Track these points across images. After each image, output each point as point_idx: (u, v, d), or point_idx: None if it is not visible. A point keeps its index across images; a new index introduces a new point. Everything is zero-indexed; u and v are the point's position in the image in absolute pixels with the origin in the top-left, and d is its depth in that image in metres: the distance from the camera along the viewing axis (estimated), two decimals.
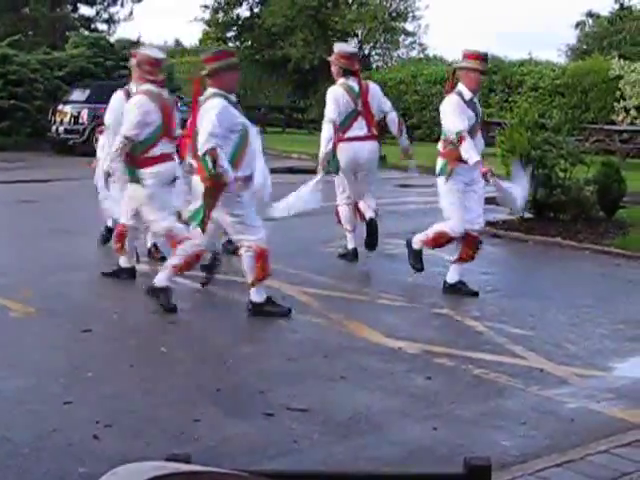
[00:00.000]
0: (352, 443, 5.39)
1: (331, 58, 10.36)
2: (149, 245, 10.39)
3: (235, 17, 40.28)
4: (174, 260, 8.23)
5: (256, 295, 8.15)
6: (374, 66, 39.14)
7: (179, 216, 8.97)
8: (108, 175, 9.06)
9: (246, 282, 8.16)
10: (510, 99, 28.89)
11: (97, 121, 23.27)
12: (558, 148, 12.94)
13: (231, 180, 7.65)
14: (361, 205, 10.62)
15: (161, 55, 9.41)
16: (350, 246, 10.76)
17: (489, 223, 9.55)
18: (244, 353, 7.12)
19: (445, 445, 5.36)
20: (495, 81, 29.87)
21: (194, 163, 7.88)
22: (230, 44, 40.32)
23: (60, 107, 26.10)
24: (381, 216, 10.87)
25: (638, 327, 8.12)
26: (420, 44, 41.30)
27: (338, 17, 36.87)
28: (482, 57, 9.00)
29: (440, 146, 9.06)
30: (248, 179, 7.94)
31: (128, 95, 9.71)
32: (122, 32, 42.24)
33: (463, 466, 2.34)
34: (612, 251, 11.43)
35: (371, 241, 10.62)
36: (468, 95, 8.86)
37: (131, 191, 8.96)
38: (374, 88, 10.58)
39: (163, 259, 9.49)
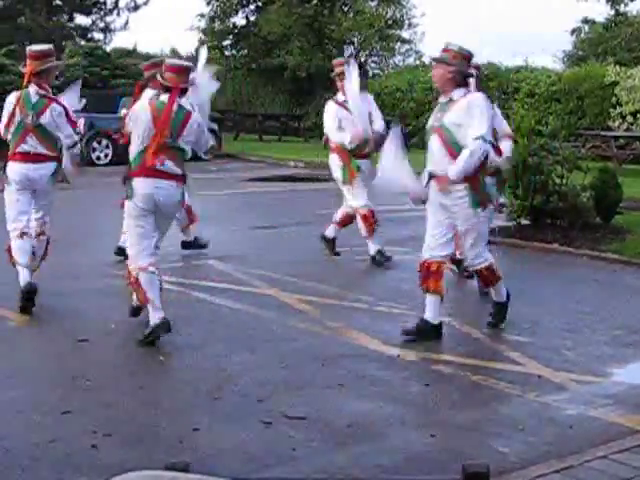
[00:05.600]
0: (350, 451, 5.39)
1: None
2: None
3: (231, 26, 40.21)
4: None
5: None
6: (370, 74, 39.13)
7: None
8: None
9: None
10: (506, 106, 28.90)
11: (94, 130, 23.49)
12: (554, 154, 12.94)
13: None
14: None
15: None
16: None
17: None
18: (242, 361, 7.11)
19: (443, 452, 5.36)
20: (491, 88, 29.87)
21: None
22: (226, 52, 40.31)
23: None
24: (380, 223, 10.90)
25: (635, 333, 8.12)
26: (416, 51, 41.31)
27: (334, 25, 36.86)
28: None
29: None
30: None
31: None
32: (118, 41, 42.20)
33: (461, 473, 2.35)
34: (609, 257, 11.43)
35: None
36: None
37: None
38: None
39: None
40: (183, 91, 7.78)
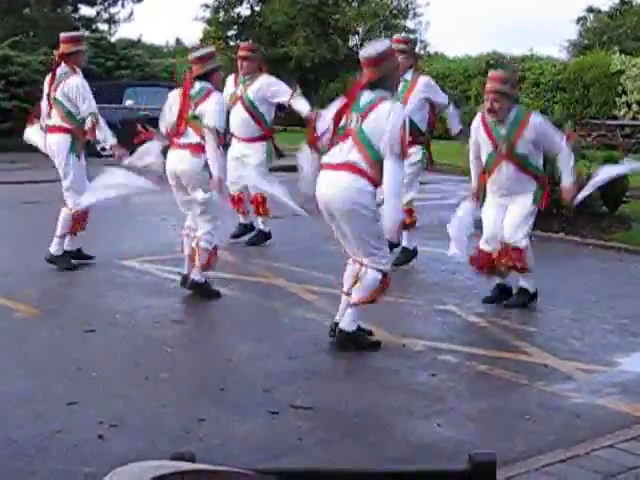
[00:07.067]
0: (357, 441, 5.39)
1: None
2: None
3: (236, 16, 40.13)
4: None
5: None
6: None
7: None
8: None
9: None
10: None
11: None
12: None
13: None
14: None
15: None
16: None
17: None
18: (248, 352, 7.11)
19: (450, 441, 5.36)
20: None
21: None
22: (231, 43, 40.24)
23: None
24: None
25: None
26: (421, 41, 41.23)
27: (339, 15, 36.81)
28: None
29: None
30: None
31: None
32: (123, 32, 42.21)
33: (468, 462, 2.34)
34: (615, 246, 11.43)
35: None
36: None
37: None
38: None
39: None
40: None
